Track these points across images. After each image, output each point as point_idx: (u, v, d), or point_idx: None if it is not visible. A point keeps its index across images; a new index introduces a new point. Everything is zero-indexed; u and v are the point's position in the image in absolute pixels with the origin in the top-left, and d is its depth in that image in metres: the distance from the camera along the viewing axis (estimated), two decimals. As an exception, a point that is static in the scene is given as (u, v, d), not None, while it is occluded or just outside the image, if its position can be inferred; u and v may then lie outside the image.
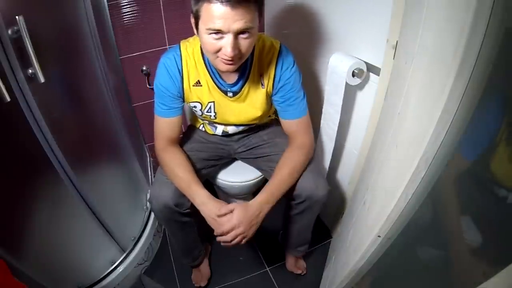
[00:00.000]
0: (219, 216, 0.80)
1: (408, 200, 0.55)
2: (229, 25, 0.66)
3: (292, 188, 0.90)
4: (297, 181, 0.90)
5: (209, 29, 0.67)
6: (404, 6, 0.67)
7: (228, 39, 0.68)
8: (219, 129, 1.03)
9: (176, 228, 0.98)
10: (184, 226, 0.98)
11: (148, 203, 1.30)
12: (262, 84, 0.89)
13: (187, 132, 1.10)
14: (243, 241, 0.81)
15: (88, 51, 0.94)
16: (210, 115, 0.95)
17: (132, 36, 1.24)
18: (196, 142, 1.05)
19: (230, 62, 0.73)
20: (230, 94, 0.89)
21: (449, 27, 0.46)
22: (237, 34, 0.68)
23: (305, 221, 1.02)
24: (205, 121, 1.04)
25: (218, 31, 0.67)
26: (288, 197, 0.95)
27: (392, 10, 0.73)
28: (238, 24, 0.66)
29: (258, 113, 0.94)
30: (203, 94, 0.89)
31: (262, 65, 0.87)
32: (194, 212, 0.91)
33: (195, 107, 0.93)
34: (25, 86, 0.65)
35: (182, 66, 0.85)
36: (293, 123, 0.92)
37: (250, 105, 0.92)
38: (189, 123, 1.17)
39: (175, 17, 1.25)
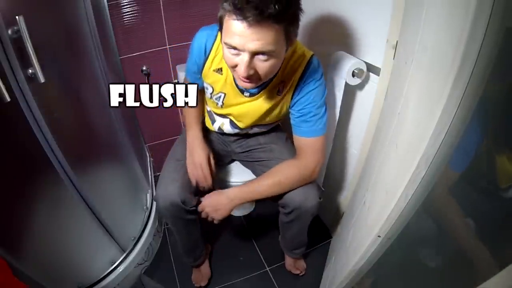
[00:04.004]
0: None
1: (408, 200, 0.55)
2: (244, 43, 0.61)
3: (280, 196, 0.88)
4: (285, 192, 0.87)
5: (226, 43, 0.65)
6: (404, 6, 0.67)
7: (243, 58, 0.64)
8: (216, 124, 1.01)
9: (182, 226, 0.99)
10: (189, 224, 0.98)
11: (148, 203, 1.31)
12: (279, 91, 0.84)
13: None
14: (214, 220, 0.91)
15: (88, 51, 0.94)
16: (218, 103, 0.92)
17: (132, 36, 1.24)
18: None
19: (247, 81, 0.69)
20: (247, 94, 0.86)
21: (449, 26, 0.46)
22: (253, 54, 0.64)
23: (295, 229, 1.01)
24: (206, 109, 1.02)
25: (234, 47, 0.64)
26: (277, 203, 0.94)
27: (392, 10, 0.73)
28: (254, 45, 0.61)
29: (261, 117, 0.90)
30: (219, 82, 0.86)
31: (286, 72, 0.82)
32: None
33: (207, 88, 0.91)
34: (25, 86, 0.65)
35: (211, 49, 0.82)
36: (304, 141, 0.84)
37: (258, 106, 0.88)
38: None
39: (175, 17, 1.25)
